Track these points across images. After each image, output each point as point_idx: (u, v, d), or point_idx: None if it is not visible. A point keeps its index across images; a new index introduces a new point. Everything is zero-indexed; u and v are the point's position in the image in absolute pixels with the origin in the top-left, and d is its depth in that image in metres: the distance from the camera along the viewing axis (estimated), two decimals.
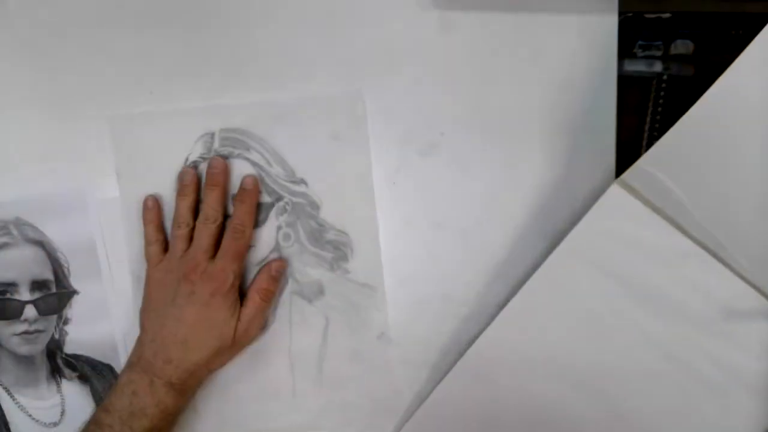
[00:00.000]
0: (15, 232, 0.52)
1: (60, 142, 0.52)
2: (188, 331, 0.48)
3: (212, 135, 0.53)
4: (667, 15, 0.53)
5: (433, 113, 0.53)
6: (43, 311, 0.53)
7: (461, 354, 0.53)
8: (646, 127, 0.54)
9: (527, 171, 0.54)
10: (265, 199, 0.53)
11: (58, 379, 0.54)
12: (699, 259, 0.47)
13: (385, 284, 0.54)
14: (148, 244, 0.52)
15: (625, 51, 0.53)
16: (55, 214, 0.53)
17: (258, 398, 0.55)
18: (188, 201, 0.51)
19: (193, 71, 0.52)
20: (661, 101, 0.53)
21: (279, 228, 0.54)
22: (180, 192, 0.51)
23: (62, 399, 0.54)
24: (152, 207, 0.52)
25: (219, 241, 0.50)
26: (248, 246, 0.52)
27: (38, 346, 0.53)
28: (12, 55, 0.51)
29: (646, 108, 0.54)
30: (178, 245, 0.50)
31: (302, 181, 0.53)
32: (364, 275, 0.54)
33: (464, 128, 0.53)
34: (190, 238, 0.50)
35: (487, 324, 0.51)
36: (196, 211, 0.51)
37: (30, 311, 0.53)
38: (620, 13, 0.52)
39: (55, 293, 0.53)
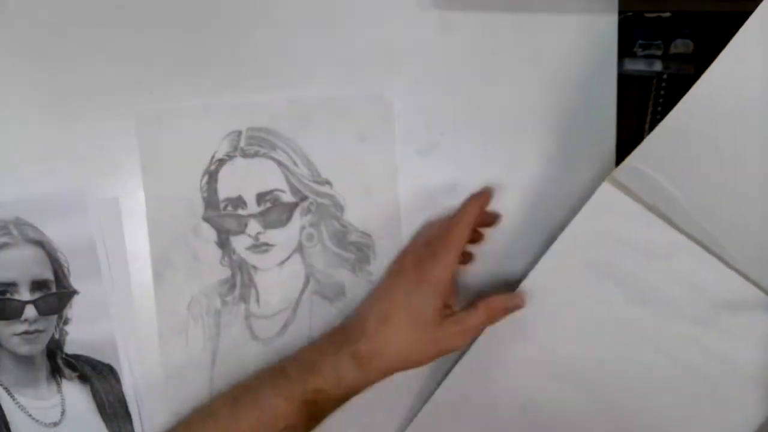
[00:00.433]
0: (15, 232, 0.52)
1: (60, 142, 0.52)
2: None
3: (239, 133, 0.53)
4: (667, 14, 0.53)
5: (433, 113, 0.53)
6: (43, 311, 0.53)
7: (461, 354, 0.53)
8: (646, 127, 0.54)
9: (527, 171, 0.54)
10: (290, 198, 0.53)
11: (59, 379, 0.54)
12: (692, 253, 0.47)
13: None
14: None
15: (625, 50, 0.53)
16: (55, 214, 0.52)
17: None
18: None
19: (193, 71, 0.52)
20: (661, 100, 0.53)
21: (302, 228, 0.53)
22: None
23: (62, 399, 0.54)
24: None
25: None
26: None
27: (38, 346, 0.53)
28: (12, 55, 0.51)
29: (646, 107, 0.54)
30: None
31: (327, 182, 0.53)
32: None
33: (464, 128, 0.53)
34: None
35: None
36: None
37: (30, 311, 0.53)
38: (620, 13, 0.52)
39: (55, 293, 0.53)
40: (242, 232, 0.53)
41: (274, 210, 0.53)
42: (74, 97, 0.52)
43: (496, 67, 0.53)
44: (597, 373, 0.51)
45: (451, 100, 0.53)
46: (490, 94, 0.53)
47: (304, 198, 0.53)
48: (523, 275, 0.51)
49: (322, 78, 0.53)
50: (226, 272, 0.54)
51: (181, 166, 0.53)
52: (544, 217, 0.54)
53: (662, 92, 0.53)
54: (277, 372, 0.49)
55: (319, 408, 0.47)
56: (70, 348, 0.54)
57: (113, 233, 0.53)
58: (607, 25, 0.52)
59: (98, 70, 0.52)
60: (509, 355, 0.52)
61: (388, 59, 0.53)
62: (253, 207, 0.53)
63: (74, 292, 0.53)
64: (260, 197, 0.53)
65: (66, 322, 0.53)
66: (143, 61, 0.52)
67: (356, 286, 0.54)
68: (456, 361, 0.53)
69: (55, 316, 0.53)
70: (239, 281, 0.54)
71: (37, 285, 0.53)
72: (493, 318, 0.49)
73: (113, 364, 0.54)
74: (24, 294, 0.52)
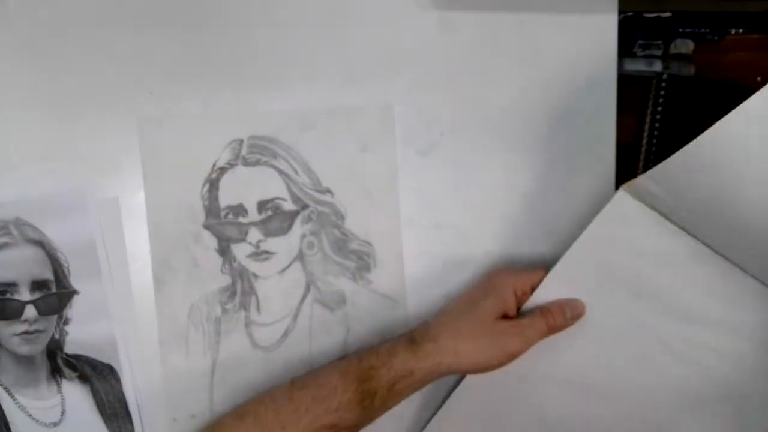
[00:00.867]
0: (15, 232, 0.52)
1: (60, 142, 0.52)
2: None
3: (240, 142, 0.53)
4: (667, 14, 0.53)
5: (433, 113, 0.53)
6: (43, 311, 0.53)
7: None
8: (646, 127, 0.54)
9: (527, 170, 0.54)
10: (291, 207, 0.53)
11: (59, 379, 0.54)
12: (708, 260, 0.47)
13: (407, 296, 0.54)
14: None
15: (625, 50, 0.53)
16: (55, 214, 0.52)
17: None
18: None
19: (193, 71, 0.52)
20: (661, 100, 0.53)
21: (303, 236, 0.53)
22: None
23: (62, 399, 0.54)
24: None
25: None
26: None
27: (38, 346, 0.53)
28: (12, 55, 0.51)
29: (646, 107, 0.54)
30: None
31: (328, 191, 0.53)
32: (386, 286, 0.54)
33: (464, 128, 0.53)
34: None
35: None
36: None
37: (30, 311, 0.53)
38: (620, 13, 0.52)
39: (55, 293, 0.53)
40: (243, 240, 0.53)
41: (275, 218, 0.53)
42: (74, 97, 0.52)
43: (496, 67, 0.53)
44: (614, 382, 0.50)
45: (451, 101, 0.53)
46: (490, 94, 0.53)
47: (305, 206, 0.53)
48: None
49: (322, 78, 0.53)
50: (226, 280, 0.54)
51: (182, 172, 0.53)
52: (545, 216, 0.54)
53: (662, 92, 0.53)
54: (340, 358, 0.50)
55: (371, 389, 0.47)
56: (70, 348, 0.54)
57: (113, 233, 0.53)
58: (607, 25, 0.52)
59: (98, 70, 0.52)
60: (522, 365, 0.51)
61: (388, 59, 0.53)
62: (254, 215, 0.53)
63: (74, 292, 0.53)
64: (261, 205, 0.53)
65: (66, 322, 0.53)
66: (143, 61, 0.52)
67: (356, 295, 0.54)
68: None
69: (55, 316, 0.53)
70: (240, 289, 0.54)
71: (37, 285, 0.53)
72: (553, 328, 0.49)
73: (113, 364, 0.54)
74: (24, 294, 0.52)
